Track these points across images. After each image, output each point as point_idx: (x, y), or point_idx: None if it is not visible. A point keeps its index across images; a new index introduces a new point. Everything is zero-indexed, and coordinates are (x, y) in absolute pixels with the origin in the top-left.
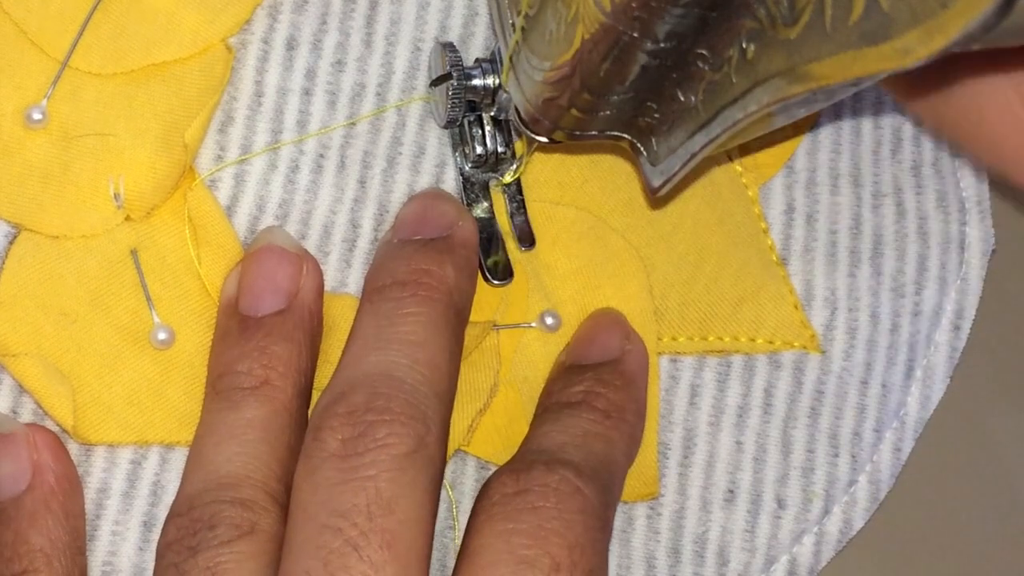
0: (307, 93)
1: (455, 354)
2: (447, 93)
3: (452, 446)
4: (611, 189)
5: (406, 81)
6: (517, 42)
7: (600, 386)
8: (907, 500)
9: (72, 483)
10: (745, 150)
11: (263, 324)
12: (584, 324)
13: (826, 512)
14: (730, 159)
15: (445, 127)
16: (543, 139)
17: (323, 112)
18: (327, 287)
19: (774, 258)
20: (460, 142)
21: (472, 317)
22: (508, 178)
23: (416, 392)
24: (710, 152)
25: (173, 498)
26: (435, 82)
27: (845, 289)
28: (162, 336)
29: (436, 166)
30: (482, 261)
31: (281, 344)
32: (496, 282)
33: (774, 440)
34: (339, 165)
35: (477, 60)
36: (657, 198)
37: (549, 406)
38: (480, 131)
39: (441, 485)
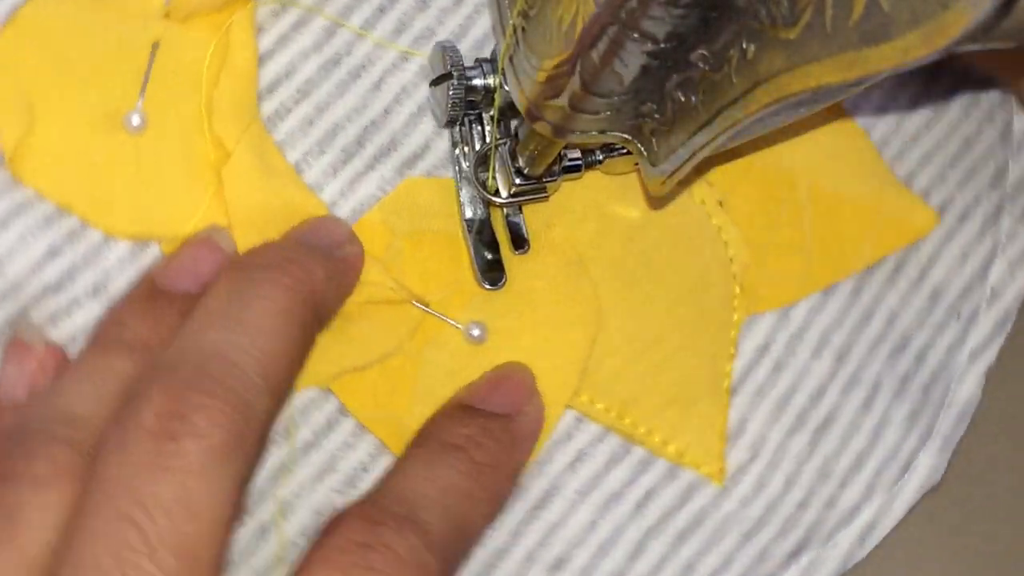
0: None
1: (300, 353)
2: (447, 93)
3: (314, 380)
4: (609, 236)
5: None
6: (516, 42)
7: (485, 436)
8: None
9: None
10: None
11: (172, 299)
12: (495, 370)
13: None
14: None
15: (445, 127)
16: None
17: None
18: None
19: (725, 384)
20: (460, 142)
21: (417, 287)
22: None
23: (247, 380)
24: (710, 152)
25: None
26: (435, 82)
27: (775, 444)
28: (136, 121)
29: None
30: (475, 261)
31: (177, 320)
32: (487, 286)
33: (627, 540)
34: (375, 84)
35: (477, 60)
36: (657, 198)
37: (428, 441)
38: (480, 131)
39: (250, 480)
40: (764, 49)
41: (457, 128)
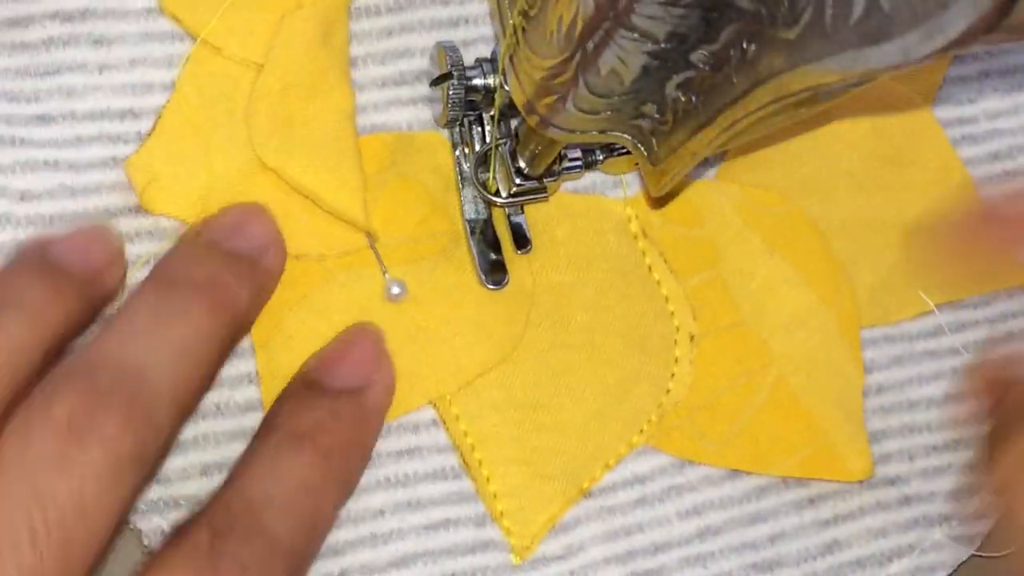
0: None
1: (215, 370)
2: (447, 93)
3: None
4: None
5: None
6: (516, 41)
7: (332, 420)
8: None
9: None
10: None
11: (65, 273)
12: (341, 337)
13: None
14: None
15: (445, 127)
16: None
17: None
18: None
19: (585, 485)
20: (460, 142)
21: (376, 222)
22: (490, 186)
23: (160, 399)
24: (711, 152)
25: None
26: (435, 82)
27: (589, 559)
28: None
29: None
30: (477, 262)
31: (72, 297)
32: (491, 285)
33: (400, 547)
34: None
35: (477, 60)
36: (658, 197)
37: (274, 432)
38: (480, 131)
39: (140, 494)
40: (764, 49)
41: (457, 128)
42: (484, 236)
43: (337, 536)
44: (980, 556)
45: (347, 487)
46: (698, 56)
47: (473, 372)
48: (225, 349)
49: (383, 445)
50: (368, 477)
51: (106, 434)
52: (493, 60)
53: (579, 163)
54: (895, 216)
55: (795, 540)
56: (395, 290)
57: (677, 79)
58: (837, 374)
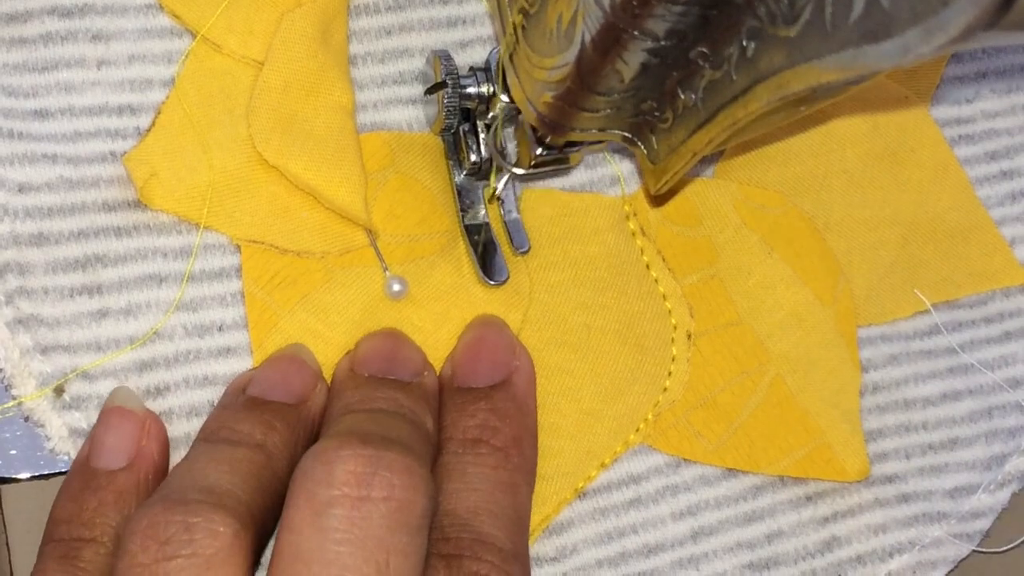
0: None
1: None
2: (442, 101)
3: (234, 230)
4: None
5: None
6: (516, 40)
7: (496, 418)
8: None
9: (162, 476)
10: None
11: (272, 406)
12: (469, 334)
13: None
14: None
15: (440, 135)
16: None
17: None
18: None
19: (580, 485)
20: (455, 150)
21: (377, 220)
22: (497, 186)
23: (424, 468)
24: (711, 150)
25: None
26: (430, 90)
27: (582, 561)
28: None
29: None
30: (478, 264)
31: (285, 430)
32: (492, 283)
33: None
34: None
35: (471, 68)
36: (658, 196)
37: (447, 442)
38: (475, 139)
39: None
40: (764, 47)
41: (451, 136)
42: (482, 239)
43: None
44: (981, 552)
45: (532, 475)
46: (698, 54)
47: None
48: (427, 463)
49: None
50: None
51: (396, 494)
52: (487, 68)
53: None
54: (891, 215)
55: (793, 538)
56: (396, 287)
57: (677, 77)
58: (834, 373)
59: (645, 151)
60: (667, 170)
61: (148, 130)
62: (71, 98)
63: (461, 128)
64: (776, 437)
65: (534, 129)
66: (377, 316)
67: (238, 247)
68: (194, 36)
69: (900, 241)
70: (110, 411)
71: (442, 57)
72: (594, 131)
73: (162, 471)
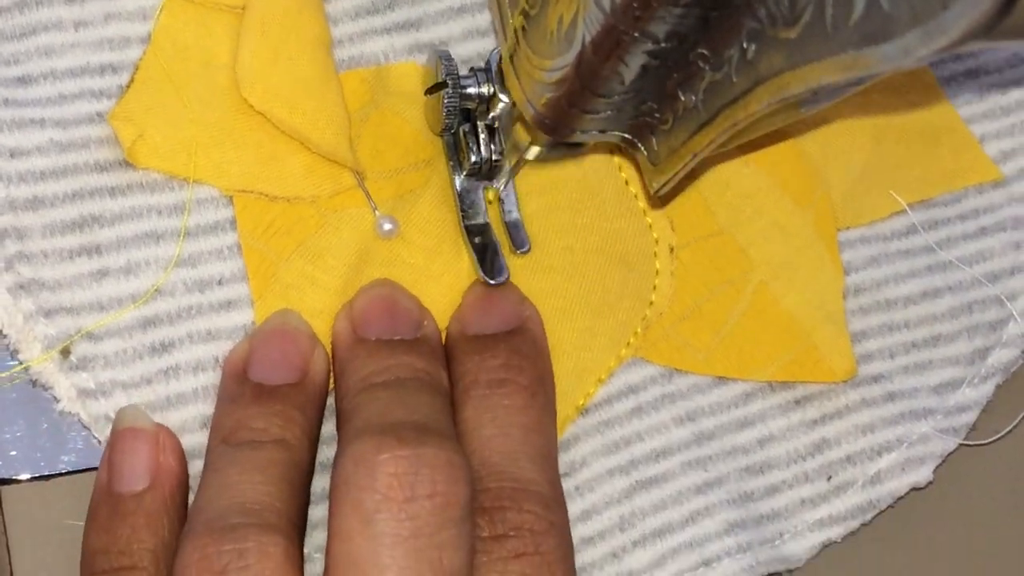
0: None
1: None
2: (442, 101)
3: (223, 182)
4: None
5: None
6: (517, 41)
7: (518, 358)
8: None
9: (185, 487)
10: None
11: (279, 394)
12: (473, 290)
13: None
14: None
15: (440, 135)
16: (531, 153)
17: None
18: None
19: (581, 402)
20: (455, 150)
21: (364, 159)
22: (501, 185)
23: (457, 449)
24: (711, 152)
25: None
26: (430, 91)
27: (592, 474)
28: None
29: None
30: (478, 262)
31: (298, 416)
32: (492, 282)
33: None
34: None
35: (472, 69)
36: (658, 197)
37: (471, 386)
38: (475, 139)
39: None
40: (764, 48)
41: (452, 136)
42: (482, 239)
43: None
44: (968, 446)
45: (555, 417)
46: (698, 55)
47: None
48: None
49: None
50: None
51: (439, 488)
52: (488, 69)
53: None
54: (863, 118)
55: (784, 442)
56: (387, 226)
57: (677, 78)
58: (816, 276)
59: (645, 152)
60: (667, 171)
61: (127, 87)
62: (52, 62)
63: (461, 128)
64: (763, 343)
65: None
66: (371, 257)
67: (230, 199)
68: None
69: (873, 144)
70: (122, 433)
71: (443, 57)
72: (594, 132)
73: (184, 482)
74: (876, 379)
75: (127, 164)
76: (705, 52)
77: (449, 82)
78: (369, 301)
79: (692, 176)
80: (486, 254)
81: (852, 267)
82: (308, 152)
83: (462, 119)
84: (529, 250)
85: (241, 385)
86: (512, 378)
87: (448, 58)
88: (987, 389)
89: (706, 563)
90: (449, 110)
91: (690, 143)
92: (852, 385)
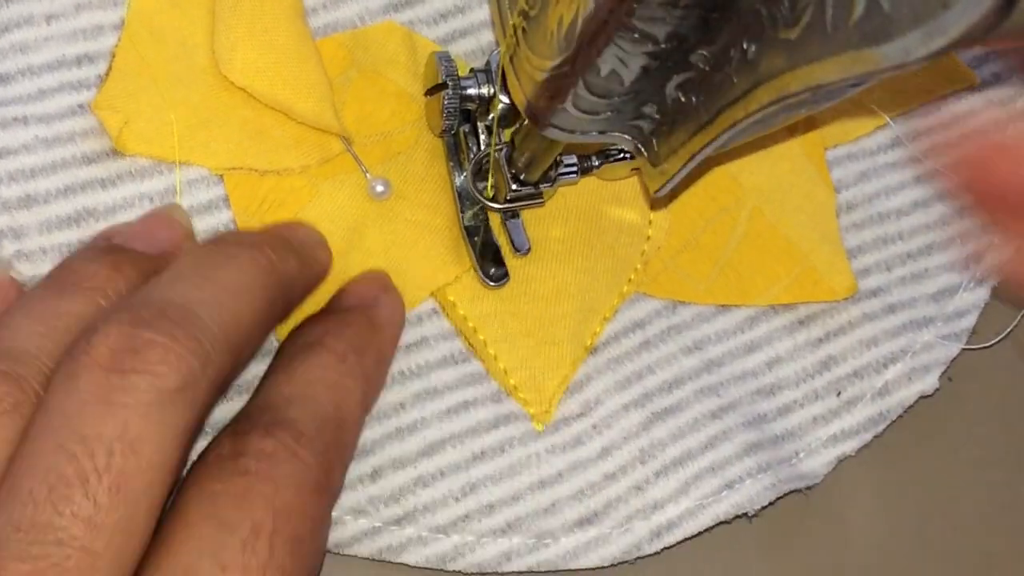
0: None
1: (263, 327)
2: (442, 102)
3: (211, 162)
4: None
5: None
6: (516, 42)
7: (342, 327)
8: None
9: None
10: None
11: (129, 254)
12: (347, 282)
13: (398, 523)
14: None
15: (440, 136)
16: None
17: None
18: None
19: (589, 341)
20: (455, 151)
21: (349, 123)
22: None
23: (206, 331)
24: (711, 153)
25: None
26: (430, 91)
27: (607, 412)
28: None
29: (455, 6)
30: (478, 264)
31: (134, 273)
32: (492, 284)
33: (424, 435)
34: None
35: (472, 70)
36: (658, 198)
37: (287, 349)
38: (475, 140)
39: (199, 433)
40: (764, 49)
41: (452, 137)
42: (482, 239)
43: (364, 437)
44: (970, 350)
45: (368, 385)
46: (698, 56)
47: (466, 260)
48: (273, 307)
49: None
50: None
51: (150, 365)
52: (488, 70)
53: (575, 168)
54: None
55: (792, 363)
56: (379, 188)
57: (677, 79)
58: (809, 197)
59: (646, 153)
60: (668, 172)
61: (106, 75)
62: (28, 58)
63: (461, 129)
64: (763, 268)
65: (509, 164)
66: (369, 218)
67: (221, 177)
68: None
69: None
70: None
71: (442, 58)
72: (594, 133)
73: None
74: (875, 293)
75: (115, 153)
76: (705, 53)
77: (449, 83)
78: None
79: (693, 177)
80: (485, 254)
81: (842, 184)
82: (294, 123)
83: (462, 120)
84: (529, 250)
85: (96, 242)
86: (325, 343)
87: (448, 59)
88: (983, 292)
89: (729, 486)
90: (449, 111)
91: (690, 144)
92: (853, 301)
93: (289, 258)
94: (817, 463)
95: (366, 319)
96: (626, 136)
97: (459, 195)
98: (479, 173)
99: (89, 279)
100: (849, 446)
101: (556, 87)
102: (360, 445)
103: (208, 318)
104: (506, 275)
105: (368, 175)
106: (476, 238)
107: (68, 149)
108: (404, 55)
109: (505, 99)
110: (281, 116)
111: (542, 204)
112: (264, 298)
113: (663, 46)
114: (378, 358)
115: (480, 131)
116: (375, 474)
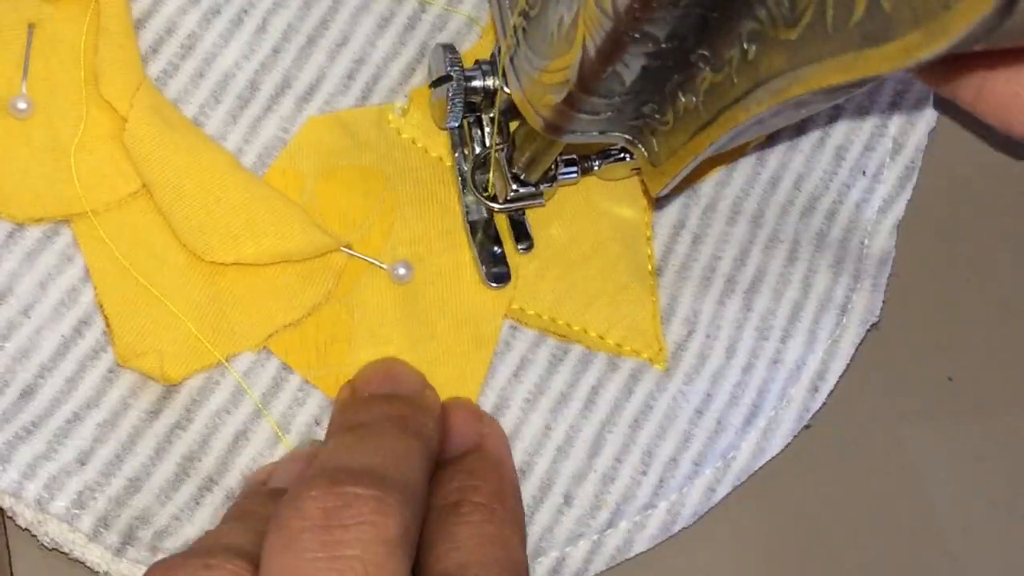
0: None
1: (424, 487)
2: (447, 95)
3: (250, 343)
4: None
5: None
6: (517, 42)
7: (472, 479)
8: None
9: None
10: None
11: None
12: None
13: (611, 525)
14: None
15: (444, 128)
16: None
17: None
18: (211, 132)
19: (648, 267)
20: (460, 143)
21: (339, 229)
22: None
23: (403, 486)
24: (711, 153)
25: None
26: (435, 83)
27: (709, 315)
28: (21, 106)
29: (354, 61)
30: (480, 261)
31: None
32: (494, 284)
33: (583, 438)
34: (259, 27)
35: (477, 61)
36: (657, 198)
37: (427, 515)
38: (480, 132)
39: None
40: (765, 49)
41: (457, 130)
42: (486, 234)
43: (536, 474)
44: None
45: (521, 527)
46: (699, 56)
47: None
48: (427, 470)
49: (500, 379)
50: (514, 408)
51: (367, 516)
52: (493, 62)
53: (575, 169)
54: None
55: (814, 172)
56: (401, 271)
57: (678, 79)
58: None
59: (646, 153)
60: (668, 172)
61: (108, 328)
62: (35, 359)
63: (466, 121)
64: None
65: (510, 164)
66: (405, 301)
67: (267, 350)
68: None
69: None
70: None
71: (447, 50)
72: (595, 133)
73: None
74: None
75: (171, 389)
76: (706, 53)
77: (454, 75)
78: (369, 369)
79: (693, 177)
80: (488, 251)
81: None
82: (295, 264)
83: (467, 111)
84: (532, 246)
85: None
86: (467, 498)
87: (452, 51)
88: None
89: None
90: (454, 103)
91: (691, 144)
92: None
93: (421, 414)
94: (880, 241)
95: (485, 462)
96: (626, 136)
97: (464, 190)
98: (480, 168)
99: (261, 522)
100: (896, 212)
101: (556, 87)
102: (539, 483)
103: (396, 476)
104: (507, 275)
105: (385, 266)
106: (479, 234)
107: (131, 418)
108: (340, 138)
109: (509, 91)
110: (280, 265)
111: (542, 204)
112: (421, 459)
113: (663, 46)
114: (514, 492)
115: (485, 123)
116: (567, 500)
